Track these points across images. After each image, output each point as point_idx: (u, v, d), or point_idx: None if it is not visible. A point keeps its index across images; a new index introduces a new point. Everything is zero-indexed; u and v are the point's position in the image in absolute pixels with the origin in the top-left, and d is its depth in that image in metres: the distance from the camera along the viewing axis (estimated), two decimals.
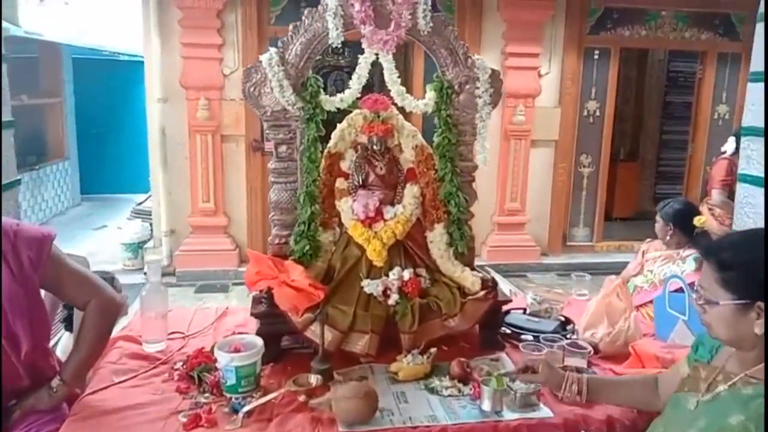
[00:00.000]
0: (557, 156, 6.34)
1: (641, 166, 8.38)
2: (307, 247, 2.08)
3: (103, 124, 9.59)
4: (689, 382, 1.38)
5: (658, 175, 8.20)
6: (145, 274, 5.86)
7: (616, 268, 5.99)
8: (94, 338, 1.77)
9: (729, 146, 4.69)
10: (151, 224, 6.31)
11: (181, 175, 5.79)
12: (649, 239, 3.48)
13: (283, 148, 2.10)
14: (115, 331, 2.22)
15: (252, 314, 2.00)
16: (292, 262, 2.07)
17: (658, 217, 3.22)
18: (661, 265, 3.25)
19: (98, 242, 7.37)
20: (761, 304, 1.21)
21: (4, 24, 5.70)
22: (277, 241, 2.14)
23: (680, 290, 2.14)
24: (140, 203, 7.40)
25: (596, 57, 6.30)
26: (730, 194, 4.21)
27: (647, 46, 6.80)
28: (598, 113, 6.40)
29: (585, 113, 6.38)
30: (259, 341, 1.84)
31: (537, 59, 6.04)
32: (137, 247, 6.17)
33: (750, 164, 2.50)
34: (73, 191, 9.26)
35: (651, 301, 3.08)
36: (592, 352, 1.99)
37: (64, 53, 8.75)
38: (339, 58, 7.90)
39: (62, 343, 2.37)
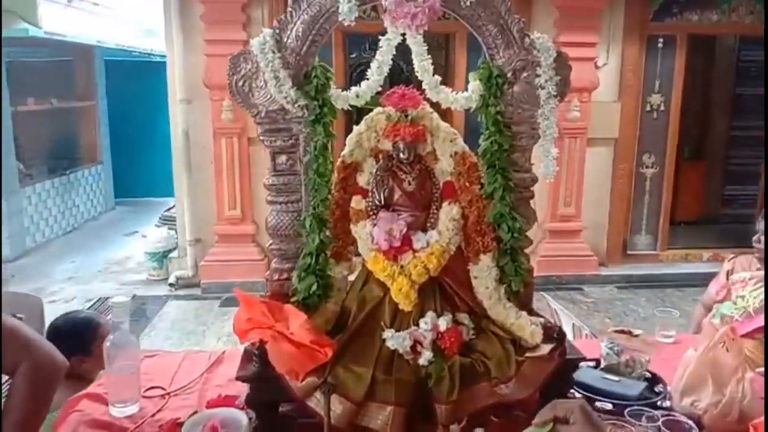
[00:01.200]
0: (617, 155, 5.74)
1: (708, 166, 7.61)
2: (315, 286, 1.60)
3: (136, 127, 9.39)
4: None
5: (727, 175, 7.42)
6: (170, 285, 5.63)
7: (684, 280, 5.38)
8: (22, 411, 1.34)
9: None
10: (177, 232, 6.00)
11: (206, 181, 5.47)
12: (732, 255, 2.87)
13: (282, 158, 1.63)
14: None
15: (238, 378, 1.53)
16: (293, 306, 1.59)
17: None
18: (754, 288, 2.66)
19: (129, 249, 7.15)
20: None
21: (24, 25, 5.46)
22: (276, 276, 1.68)
23: None
24: (169, 209, 7.11)
25: (660, 45, 5.66)
26: None
27: (719, 31, 6.11)
28: (662, 108, 5.75)
29: (648, 108, 5.74)
30: (242, 419, 1.38)
31: (594, 49, 5.45)
32: (162, 257, 5.87)
33: None
34: (106, 196, 9.09)
35: (747, 335, 2.49)
36: None
37: (97, 55, 8.56)
38: (363, 54, 7.41)
39: None
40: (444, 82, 1.67)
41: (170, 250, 5.93)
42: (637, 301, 5.28)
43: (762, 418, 1.54)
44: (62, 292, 5.58)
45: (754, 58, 7.16)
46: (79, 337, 2.11)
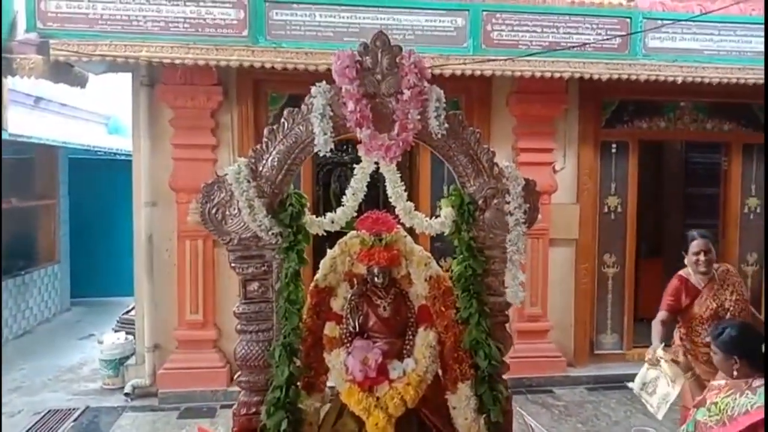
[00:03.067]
0: (578, 256, 5.86)
1: (665, 262, 7.81)
2: (285, 422, 1.53)
3: (98, 225, 9.23)
4: None
5: None
6: (125, 395, 5.32)
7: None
8: None
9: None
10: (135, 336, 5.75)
11: (168, 285, 5.33)
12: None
13: (254, 285, 1.62)
14: None
15: None
16: None
17: (715, 349, 2.63)
18: (726, 396, 2.65)
19: (83, 354, 6.80)
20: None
21: None
22: (244, 411, 1.60)
23: None
24: (127, 311, 6.85)
25: (614, 150, 5.95)
26: (686, 321, 3.49)
27: (667, 138, 6.48)
28: (619, 209, 5.97)
29: (606, 209, 5.95)
30: None
31: (551, 154, 5.69)
32: (118, 364, 5.59)
33: None
34: (62, 296, 8.75)
35: None
36: None
37: (60, 154, 8.53)
38: (342, 155, 7.60)
39: None
40: (408, 187, 1.69)
41: (127, 357, 5.64)
42: (607, 404, 5.20)
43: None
44: (8, 405, 5.20)
45: (701, 160, 7.60)
46: None
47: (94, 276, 9.22)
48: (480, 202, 1.66)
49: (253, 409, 1.59)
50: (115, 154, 9.12)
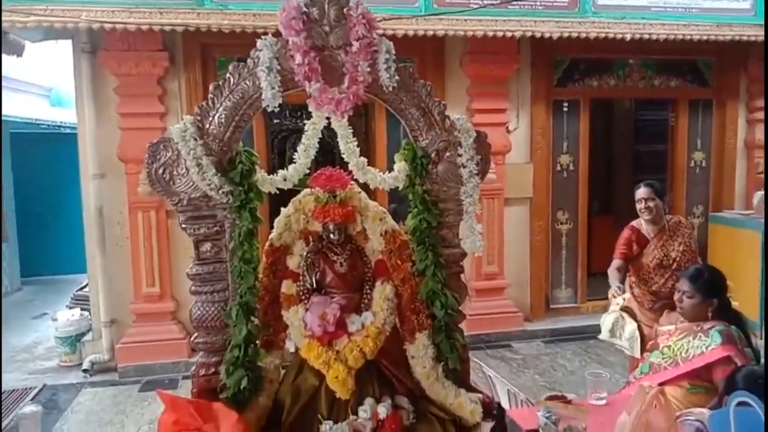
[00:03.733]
0: (533, 214, 5.96)
1: (615, 218, 8.05)
2: (245, 380, 1.53)
3: (45, 201, 8.92)
4: None
5: None
6: (84, 371, 5.23)
7: None
8: None
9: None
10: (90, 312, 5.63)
11: (122, 258, 5.20)
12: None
13: (206, 246, 1.58)
14: None
15: None
16: (222, 403, 1.50)
17: (692, 293, 2.69)
18: (679, 339, 2.78)
19: (37, 333, 6.62)
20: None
21: None
22: (203, 371, 1.59)
23: (744, 404, 1.64)
24: (81, 288, 6.69)
25: (566, 109, 6.02)
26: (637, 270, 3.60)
27: (617, 95, 6.58)
28: (572, 167, 6.08)
29: (558, 168, 6.05)
30: None
31: (504, 115, 5.73)
32: (74, 341, 5.46)
33: None
34: (11, 275, 8.48)
35: (674, 380, 2.60)
36: None
37: (3, 128, 8.15)
38: (297, 121, 7.48)
39: None
40: (365, 150, 1.69)
41: (83, 333, 5.52)
42: (563, 355, 5.39)
43: None
44: None
45: (649, 117, 7.77)
46: None
47: (44, 253, 8.95)
48: (433, 155, 1.66)
49: (212, 370, 1.58)
50: (59, 126, 8.77)
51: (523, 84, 5.83)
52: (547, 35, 5.29)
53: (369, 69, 1.55)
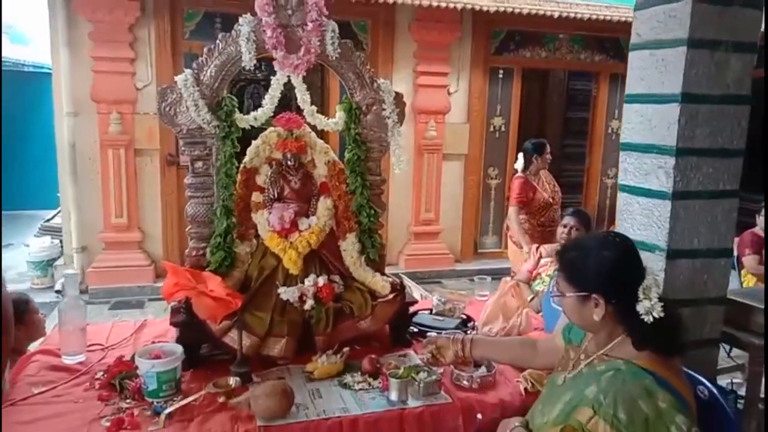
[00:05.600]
0: (467, 169, 6.71)
1: None
2: (224, 258, 2.19)
3: (5, 139, 9.11)
4: (561, 362, 1.62)
5: (561, 186, 8.73)
6: (57, 292, 5.76)
7: None
8: None
9: (519, 164, 4.81)
10: (61, 241, 6.11)
11: (92, 191, 5.68)
12: (536, 245, 3.83)
13: (199, 164, 2.20)
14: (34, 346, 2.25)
15: (171, 323, 2.09)
16: (210, 273, 2.16)
17: (578, 225, 3.53)
18: (557, 268, 3.58)
19: (5, 262, 7.02)
20: (597, 296, 1.47)
21: None
22: (194, 253, 2.23)
23: None
24: (48, 219, 7.13)
25: (501, 76, 6.72)
26: (527, 210, 4.56)
27: (547, 66, 7.31)
28: (503, 129, 6.83)
29: (491, 128, 6.79)
30: (179, 348, 1.94)
31: (446, 78, 6.38)
32: (46, 265, 5.97)
33: (627, 176, 2.80)
34: None
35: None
36: None
37: None
38: (256, 72, 7.95)
39: None
40: (323, 102, 2.33)
41: (54, 259, 6.03)
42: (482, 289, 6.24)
43: (532, 333, 2.35)
44: None
45: (579, 87, 8.54)
46: (16, 308, 2.50)
47: (3, 189, 9.18)
48: (364, 108, 2.29)
49: (201, 252, 2.20)
50: (22, 65, 8.93)
51: (463, 51, 6.48)
52: (485, 8, 5.94)
53: (319, 43, 2.18)
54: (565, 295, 1.53)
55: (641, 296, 1.44)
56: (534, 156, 4.65)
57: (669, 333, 1.44)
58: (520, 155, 4.79)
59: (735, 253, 4.73)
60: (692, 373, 1.67)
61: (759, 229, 4.58)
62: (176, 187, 5.82)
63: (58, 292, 5.75)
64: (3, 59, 8.66)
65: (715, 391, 1.54)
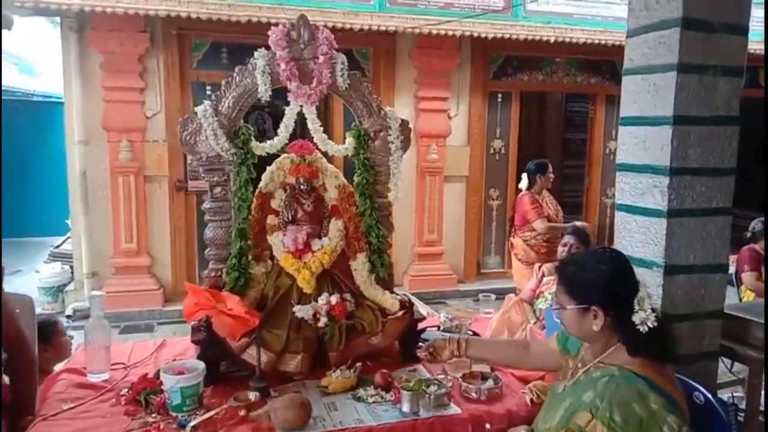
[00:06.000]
0: (468, 190, 6.84)
1: None
2: (238, 278, 2.29)
3: (14, 167, 9.27)
4: (562, 372, 1.72)
5: (562, 206, 8.85)
6: (68, 317, 5.85)
7: None
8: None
9: (523, 184, 5.10)
10: (71, 266, 6.22)
11: (103, 217, 5.80)
12: (539, 264, 3.92)
13: (217, 189, 2.32)
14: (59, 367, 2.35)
15: (192, 341, 2.19)
16: (228, 293, 2.27)
17: (578, 244, 3.64)
18: None
19: (14, 288, 7.10)
20: (596, 308, 1.57)
21: None
22: (213, 274, 2.34)
23: None
24: (58, 246, 7.24)
25: (499, 100, 6.89)
26: (530, 226, 4.82)
27: (544, 89, 7.49)
28: (503, 150, 6.98)
29: (491, 151, 6.94)
30: (201, 364, 2.04)
31: (446, 102, 6.55)
32: (57, 291, 6.06)
33: (623, 195, 2.90)
34: None
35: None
36: None
37: None
38: (260, 99, 8.12)
39: None
40: (325, 128, 2.46)
41: (65, 284, 6.13)
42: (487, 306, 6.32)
43: None
44: None
45: (577, 109, 8.74)
46: (44, 330, 2.61)
47: (11, 217, 9.29)
48: (372, 134, 2.43)
49: (219, 273, 2.32)
50: (31, 95, 9.13)
51: (463, 76, 6.66)
52: (483, 35, 6.12)
53: (330, 74, 2.33)
54: (566, 307, 1.63)
55: (636, 307, 1.54)
56: (537, 175, 4.92)
57: (661, 341, 1.54)
58: (524, 175, 5.03)
59: (734, 270, 4.83)
60: (687, 380, 1.77)
61: (758, 246, 4.68)
62: (184, 212, 5.96)
63: (68, 317, 5.84)
64: (13, 89, 8.86)
65: (710, 396, 1.64)
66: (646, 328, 1.52)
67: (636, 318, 1.53)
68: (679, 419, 1.43)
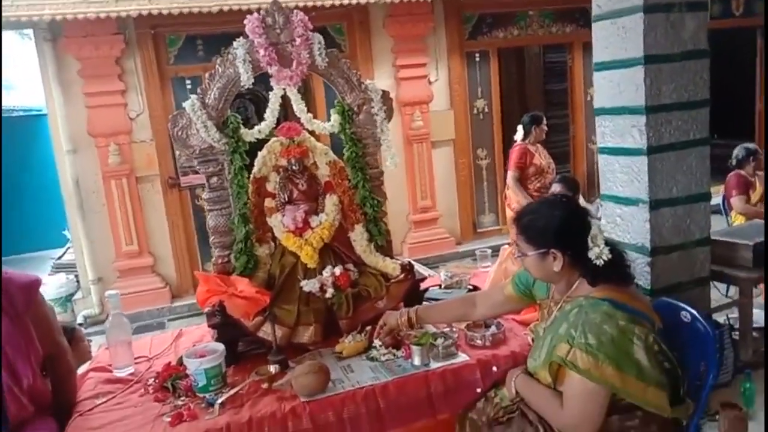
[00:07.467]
0: (456, 153, 6.91)
1: None
2: (247, 261, 2.39)
3: (4, 185, 9.24)
4: (540, 314, 1.88)
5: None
6: (79, 325, 5.96)
7: None
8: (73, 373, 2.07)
9: (518, 135, 5.37)
10: (76, 276, 6.30)
11: (101, 222, 5.87)
12: (507, 243, 4.09)
13: (214, 179, 2.41)
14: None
15: (209, 325, 2.30)
16: (236, 276, 2.37)
17: (566, 191, 3.79)
18: None
19: None
20: (554, 250, 1.70)
21: None
22: (220, 261, 2.44)
23: None
24: (59, 257, 7.32)
25: (477, 59, 6.92)
26: (522, 175, 5.18)
27: (521, 44, 7.50)
28: (486, 110, 7.03)
29: (475, 111, 6.99)
30: (220, 346, 2.15)
31: (425, 68, 6.58)
32: (66, 301, 6.15)
33: (604, 138, 3.00)
34: None
35: None
36: None
37: None
38: (241, 87, 8.13)
39: None
40: (308, 108, 2.53)
41: (72, 294, 6.22)
42: (484, 261, 6.45)
43: None
44: None
45: (556, 60, 8.73)
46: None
47: (6, 234, 9.30)
48: (355, 108, 2.50)
49: (226, 259, 2.39)
50: (11, 110, 9.09)
51: (439, 40, 6.68)
52: None
53: (308, 55, 2.39)
54: (527, 254, 1.76)
55: (591, 244, 1.68)
56: (532, 126, 5.22)
57: (617, 268, 1.69)
58: (520, 127, 5.31)
59: (722, 197, 4.96)
60: (674, 301, 1.89)
61: (743, 171, 4.79)
62: (180, 208, 6.03)
63: (80, 324, 5.95)
64: None
65: (695, 313, 1.76)
66: (602, 261, 1.65)
67: (591, 254, 1.67)
68: (645, 329, 1.58)
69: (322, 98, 6.24)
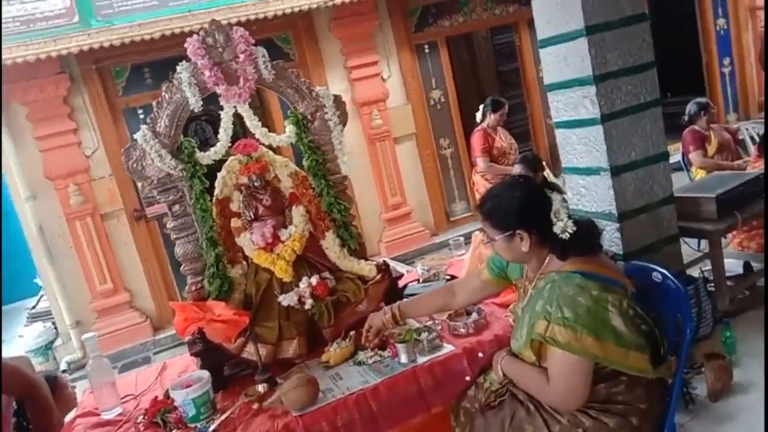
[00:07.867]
0: (419, 146, 6.93)
1: None
2: (221, 284, 2.37)
3: None
4: (517, 295, 1.90)
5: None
6: (63, 371, 5.84)
7: None
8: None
9: (478, 116, 5.51)
10: (53, 322, 6.16)
11: (71, 265, 5.75)
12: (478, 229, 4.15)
13: (176, 207, 2.37)
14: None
15: (191, 354, 2.27)
16: (213, 301, 2.34)
17: (529, 173, 3.83)
18: None
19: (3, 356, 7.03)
20: (520, 231, 1.71)
21: None
22: (194, 287, 2.41)
23: None
24: (34, 307, 7.16)
25: (427, 51, 6.95)
26: (491, 159, 5.31)
27: (468, 30, 7.54)
28: (443, 99, 7.06)
29: (432, 102, 7.01)
30: (206, 373, 2.12)
31: (377, 66, 6.59)
32: (46, 350, 6.01)
33: (559, 113, 3.04)
34: None
35: None
36: None
37: None
38: (193, 111, 8.03)
39: None
40: (265, 122, 2.51)
41: (52, 341, 6.08)
42: (458, 249, 6.48)
43: None
44: None
45: (504, 41, 8.80)
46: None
47: None
48: (309, 116, 2.50)
49: (200, 285, 2.37)
50: None
51: (386, 36, 6.68)
52: None
53: (254, 70, 2.37)
54: (495, 239, 1.77)
55: (554, 220, 1.69)
56: (489, 112, 5.34)
57: (583, 239, 1.70)
58: (481, 107, 5.47)
59: (681, 154, 5.07)
60: (644, 264, 1.93)
61: (697, 126, 4.89)
62: (149, 239, 5.95)
63: (64, 371, 5.83)
64: None
65: (666, 273, 1.79)
66: (567, 235, 1.67)
67: (556, 229, 1.68)
68: (618, 296, 1.60)
69: (278, 109, 6.20)
